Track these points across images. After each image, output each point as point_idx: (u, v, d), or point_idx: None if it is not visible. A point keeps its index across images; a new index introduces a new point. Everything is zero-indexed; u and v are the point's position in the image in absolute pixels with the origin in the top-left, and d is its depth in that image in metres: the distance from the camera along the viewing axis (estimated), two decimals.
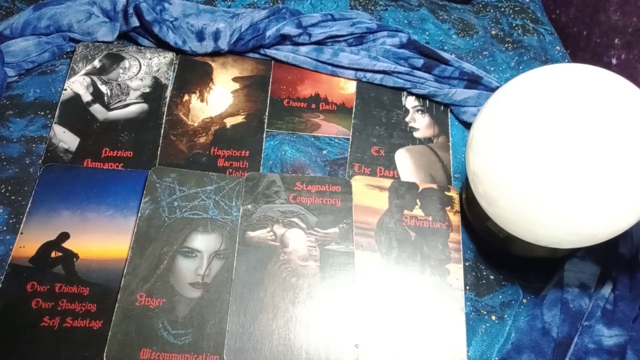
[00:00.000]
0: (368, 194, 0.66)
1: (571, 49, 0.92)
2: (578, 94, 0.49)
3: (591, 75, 0.51)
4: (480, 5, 0.90)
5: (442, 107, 0.75)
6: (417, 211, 0.65)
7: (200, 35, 0.75)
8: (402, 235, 0.63)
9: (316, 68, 0.76)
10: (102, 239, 0.60)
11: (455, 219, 0.65)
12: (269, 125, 0.71)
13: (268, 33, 0.74)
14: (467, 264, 0.63)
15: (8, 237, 0.59)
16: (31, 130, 0.67)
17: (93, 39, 0.75)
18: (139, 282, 0.57)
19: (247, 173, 0.66)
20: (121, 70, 0.73)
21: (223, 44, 0.74)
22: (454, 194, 0.67)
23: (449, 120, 0.74)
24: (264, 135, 0.70)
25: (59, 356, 0.53)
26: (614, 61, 0.84)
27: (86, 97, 0.70)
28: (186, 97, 0.72)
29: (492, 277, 0.62)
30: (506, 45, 0.84)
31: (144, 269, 0.58)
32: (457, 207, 0.66)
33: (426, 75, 0.74)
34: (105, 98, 0.70)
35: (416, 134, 0.72)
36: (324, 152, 0.70)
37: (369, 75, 0.75)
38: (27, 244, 0.59)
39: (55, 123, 0.67)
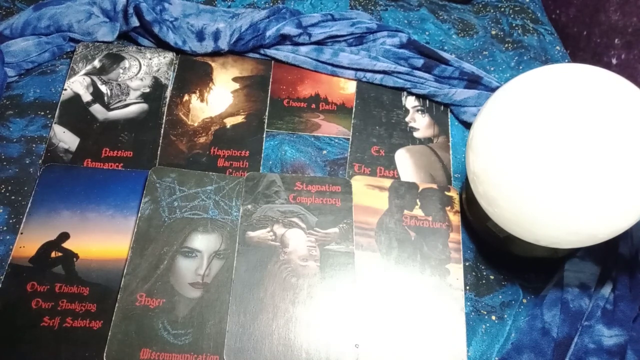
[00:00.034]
0: (368, 194, 0.66)
1: (571, 49, 0.92)
2: (578, 94, 0.49)
3: (591, 75, 0.51)
4: (480, 5, 0.90)
5: (442, 107, 0.75)
6: (417, 211, 0.65)
7: (200, 35, 0.75)
8: (402, 235, 0.63)
9: (316, 68, 0.76)
10: (102, 239, 0.60)
11: (455, 219, 0.65)
12: (269, 125, 0.71)
13: (268, 33, 0.74)
14: (467, 264, 0.63)
15: (8, 237, 0.59)
16: (31, 130, 0.67)
17: (93, 39, 0.75)
18: (139, 282, 0.57)
19: (247, 173, 0.66)
20: (121, 70, 0.73)
21: (223, 44, 0.74)
22: (454, 194, 0.67)
23: (449, 120, 0.74)
24: (264, 135, 0.70)
25: (59, 356, 0.53)
26: (614, 61, 0.84)
27: (86, 97, 0.70)
28: (186, 97, 0.72)
29: (492, 277, 0.62)
30: (506, 45, 0.84)
31: (144, 269, 0.58)
32: (457, 207, 0.66)
33: (426, 75, 0.74)
34: (105, 98, 0.70)
35: (416, 134, 0.72)
36: (324, 152, 0.70)
37: (369, 75, 0.75)
38: (27, 244, 0.59)
39: (55, 123, 0.67)
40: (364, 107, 0.74)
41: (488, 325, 0.59)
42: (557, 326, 0.56)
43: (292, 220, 0.62)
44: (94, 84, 0.71)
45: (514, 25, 0.87)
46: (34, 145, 0.66)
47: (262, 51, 0.76)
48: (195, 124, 0.70)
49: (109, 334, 0.54)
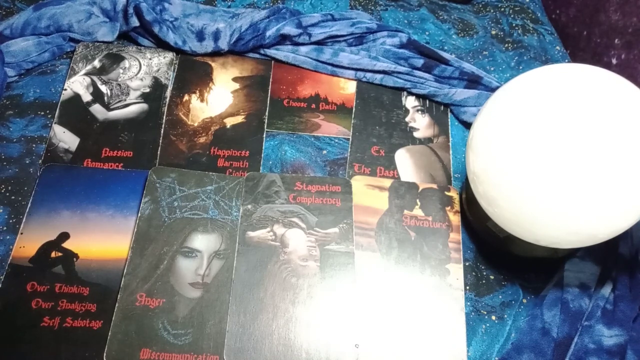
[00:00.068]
0: (368, 194, 0.66)
1: (571, 49, 0.92)
2: (578, 94, 0.49)
3: (591, 75, 0.51)
4: (480, 5, 0.90)
5: (442, 107, 0.75)
6: (417, 211, 0.65)
7: (200, 35, 0.75)
8: (402, 235, 0.63)
9: (316, 68, 0.76)
10: (102, 239, 0.60)
11: (455, 219, 0.65)
12: (269, 125, 0.71)
13: (268, 33, 0.74)
14: (467, 264, 0.63)
15: (8, 237, 0.59)
16: (31, 130, 0.67)
17: (93, 39, 0.75)
18: (139, 282, 0.57)
19: (247, 173, 0.66)
20: (121, 70, 0.73)
21: (223, 44, 0.74)
22: (454, 194, 0.67)
23: (449, 120, 0.74)
24: (264, 135, 0.70)
25: (59, 356, 0.53)
26: (614, 61, 0.84)
27: (86, 97, 0.70)
28: (186, 97, 0.72)
29: (492, 277, 0.62)
30: (506, 45, 0.84)
31: (144, 269, 0.58)
32: (457, 207, 0.66)
33: (426, 75, 0.74)
34: (105, 98, 0.70)
35: (416, 134, 0.72)
36: (324, 152, 0.70)
37: (369, 75, 0.75)
38: (27, 244, 0.59)
39: (55, 123, 0.67)
40: (364, 107, 0.74)
41: (488, 325, 0.59)
42: (557, 326, 0.56)
43: (292, 220, 0.62)
44: (94, 84, 0.71)
45: (514, 25, 0.87)
46: (34, 145, 0.66)
47: (262, 51, 0.76)
48: (195, 124, 0.70)
49: (109, 334, 0.54)
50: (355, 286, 0.59)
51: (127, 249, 0.59)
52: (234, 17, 0.78)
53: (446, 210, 0.65)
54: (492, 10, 0.89)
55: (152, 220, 0.61)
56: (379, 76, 0.75)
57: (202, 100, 0.72)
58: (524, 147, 0.49)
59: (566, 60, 0.84)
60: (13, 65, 0.71)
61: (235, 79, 0.74)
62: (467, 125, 0.73)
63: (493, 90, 0.72)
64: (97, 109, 0.69)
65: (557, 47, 0.85)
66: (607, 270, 0.60)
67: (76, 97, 0.70)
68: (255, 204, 0.63)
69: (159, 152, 0.67)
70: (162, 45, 0.75)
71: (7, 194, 0.62)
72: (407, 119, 0.73)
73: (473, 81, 0.74)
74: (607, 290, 0.59)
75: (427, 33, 0.84)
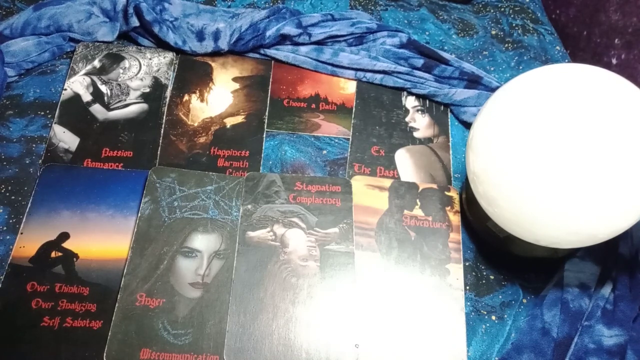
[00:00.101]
0: (368, 194, 0.66)
1: (571, 49, 0.92)
2: (578, 94, 0.49)
3: (591, 75, 0.51)
4: (480, 5, 0.90)
5: (442, 107, 0.75)
6: (417, 211, 0.65)
7: (200, 35, 0.75)
8: (402, 235, 0.63)
9: (316, 68, 0.76)
10: (102, 239, 0.60)
11: (455, 219, 0.65)
12: (269, 125, 0.71)
13: (268, 33, 0.74)
14: (467, 264, 0.63)
15: (8, 237, 0.59)
16: (31, 130, 0.67)
17: (93, 39, 0.75)
18: (139, 282, 0.57)
19: (247, 173, 0.66)
20: (121, 70, 0.73)
21: (223, 44, 0.74)
22: (454, 194, 0.67)
23: (449, 120, 0.74)
24: (264, 135, 0.70)
25: (59, 356, 0.53)
26: (614, 61, 0.84)
27: (86, 97, 0.70)
28: (186, 97, 0.72)
29: (492, 277, 0.62)
30: (506, 45, 0.84)
31: (144, 269, 0.58)
32: (457, 207, 0.66)
33: (426, 75, 0.74)
34: (105, 98, 0.70)
35: (416, 134, 0.72)
36: (324, 152, 0.70)
37: (369, 75, 0.75)
38: (27, 244, 0.59)
39: (55, 123, 0.67)
40: (364, 107, 0.74)
41: (488, 325, 0.59)
42: (557, 326, 0.56)
43: (292, 220, 0.62)
44: (94, 84, 0.71)
45: (514, 25, 0.87)
46: (34, 145, 0.66)
47: (262, 51, 0.76)
48: (195, 124, 0.70)
49: (109, 334, 0.54)
50: (355, 286, 0.59)
51: (127, 249, 0.59)
52: (234, 17, 0.78)
53: (446, 210, 0.65)
54: (492, 10, 0.89)
55: (152, 220, 0.61)
56: (379, 76, 0.75)
57: (202, 100, 0.72)
58: (524, 147, 0.49)
59: (566, 60, 0.84)
60: (13, 65, 0.71)
61: (235, 79, 0.74)
62: (467, 125, 0.73)
63: (493, 90, 0.72)
64: (97, 109, 0.69)
65: (557, 47, 0.85)
66: (607, 270, 0.60)
67: (76, 97, 0.70)
68: (255, 204, 0.63)
69: (159, 152, 0.67)
70: (162, 45, 0.75)
71: (7, 194, 0.62)
72: (407, 119, 0.73)
73: (473, 81, 0.74)
74: (607, 290, 0.59)
75: (427, 33, 0.84)
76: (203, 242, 0.60)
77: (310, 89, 0.75)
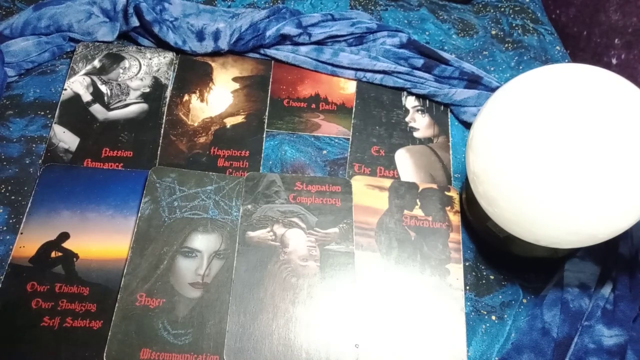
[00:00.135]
0: (368, 194, 0.66)
1: (571, 49, 0.92)
2: (578, 94, 0.49)
3: (591, 75, 0.51)
4: (480, 5, 0.90)
5: (442, 107, 0.75)
6: (417, 211, 0.65)
7: (200, 35, 0.75)
8: (402, 235, 0.63)
9: (316, 68, 0.76)
10: (102, 239, 0.60)
11: (455, 219, 0.65)
12: (269, 125, 0.71)
13: (268, 33, 0.74)
14: (467, 264, 0.63)
15: (8, 237, 0.59)
16: (31, 130, 0.67)
17: (93, 39, 0.75)
18: (139, 282, 0.57)
19: (247, 173, 0.66)
20: (121, 70, 0.73)
21: (223, 44, 0.74)
22: (454, 194, 0.67)
23: (449, 120, 0.74)
24: (264, 135, 0.70)
25: (59, 356, 0.53)
26: (614, 61, 0.84)
27: (86, 97, 0.70)
28: (186, 97, 0.72)
29: (492, 277, 0.62)
30: (506, 45, 0.84)
31: (144, 269, 0.58)
32: (457, 207, 0.66)
33: (426, 75, 0.74)
34: (105, 98, 0.70)
35: (416, 134, 0.72)
36: (324, 152, 0.70)
37: (369, 75, 0.75)
38: (27, 244, 0.59)
39: (55, 123, 0.67)
40: (364, 107, 0.74)
41: (488, 325, 0.59)
42: (557, 326, 0.56)
43: (292, 220, 0.62)
44: (94, 83, 0.71)
45: (514, 25, 0.87)
46: (34, 145, 0.66)
47: (262, 51, 0.76)
48: (195, 124, 0.70)
49: (109, 334, 0.54)
50: (355, 286, 0.59)
51: (127, 249, 0.59)
52: (234, 17, 0.78)
53: (446, 210, 0.65)
54: (492, 10, 0.89)
55: (152, 220, 0.61)
56: (379, 76, 0.75)
57: (202, 100, 0.72)
58: (524, 147, 0.49)
59: (566, 60, 0.84)
60: (13, 65, 0.71)
61: (235, 79, 0.74)
62: (467, 125, 0.73)
63: (493, 90, 0.72)
64: (97, 109, 0.69)
65: (557, 47, 0.85)
66: (607, 270, 0.60)
67: (76, 97, 0.70)
68: (255, 204, 0.63)
69: (159, 152, 0.67)
70: (162, 45, 0.75)
71: (7, 194, 0.62)
72: (407, 119, 0.73)
73: (473, 81, 0.74)
74: (607, 290, 0.59)
75: (427, 33, 0.84)
76: (203, 242, 0.60)
77: (310, 89, 0.75)
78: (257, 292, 0.58)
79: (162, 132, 0.69)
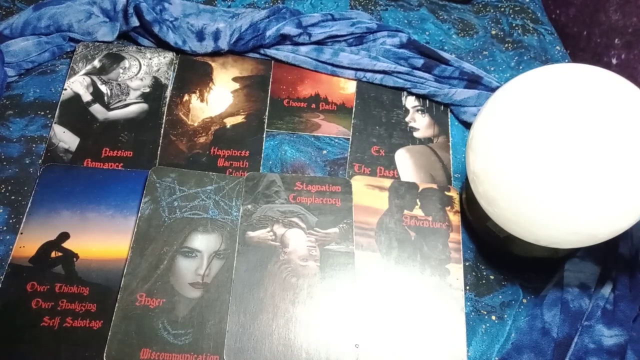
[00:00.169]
0: (368, 194, 0.66)
1: (571, 49, 0.92)
2: (578, 94, 0.49)
3: (591, 75, 0.51)
4: (480, 5, 0.90)
5: (442, 107, 0.75)
6: (417, 211, 0.65)
7: (200, 35, 0.75)
8: (402, 235, 0.63)
9: (316, 68, 0.76)
10: (102, 239, 0.60)
11: (455, 219, 0.65)
12: (269, 125, 0.71)
13: (268, 33, 0.74)
14: (467, 264, 0.63)
15: (8, 237, 0.59)
16: (31, 130, 0.67)
17: (93, 39, 0.75)
18: (139, 282, 0.57)
19: (247, 173, 0.66)
20: (121, 70, 0.73)
21: (223, 44, 0.74)
22: (454, 194, 0.67)
23: (449, 120, 0.74)
24: (264, 135, 0.70)
25: (59, 356, 0.53)
26: (614, 61, 0.84)
27: (86, 97, 0.70)
28: (186, 97, 0.72)
29: (492, 277, 0.62)
30: (506, 45, 0.84)
31: (144, 269, 0.58)
32: (457, 207, 0.66)
33: (426, 75, 0.74)
34: (105, 98, 0.70)
35: (416, 134, 0.72)
36: (324, 152, 0.70)
37: (369, 75, 0.75)
38: (27, 244, 0.59)
39: (55, 123, 0.67)
40: (364, 107, 0.74)
41: (488, 325, 0.59)
42: (557, 326, 0.56)
43: (292, 220, 0.62)
44: (94, 83, 0.71)
45: (514, 25, 0.87)
46: (34, 145, 0.66)
47: (262, 51, 0.76)
48: (195, 124, 0.70)
49: (109, 334, 0.54)
50: (355, 286, 0.59)
51: (127, 249, 0.59)
52: (234, 17, 0.78)
53: (446, 210, 0.65)
54: (492, 10, 0.89)
55: (152, 220, 0.61)
56: (379, 76, 0.75)
57: (202, 100, 0.72)
58: (524, 147, 0.49)
59: (566, 60, 0.84)
60: (13, 65, 0.71)
61: (235, 79, 0.74)
62: (467, 125, 0.73)
63: (493, 90, 0.72)
64: (97, 109, 0.69)
65: (557, 47, 0.85)
66: (607, 270, 0.60)
67: (76, 97, 0.70)
68: (255, 204, 0.63)
69: (159, 152, 0.67)
70: (162, 45, 0.75)
71: (7, 194, 0.62)
72: (407, 119, 0.73)
73: (473, 81, 0.74)
74: (607, 290, 0.59)
75: (427, 33, 0.84)
76: (203, 242, 0.60)
77: (310, 89, 0.75)
78: (257, 292, 0.58)
79: (162, 132, 0.69)
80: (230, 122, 0.71)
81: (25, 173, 0.64)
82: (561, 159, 0.48)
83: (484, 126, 0.54)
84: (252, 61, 0.76)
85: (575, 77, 0.51)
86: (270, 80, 0.75)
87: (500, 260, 0.63)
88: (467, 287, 0.61)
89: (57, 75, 0.72)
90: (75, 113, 0.69)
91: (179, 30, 0.75)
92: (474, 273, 0.62)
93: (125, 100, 0.71)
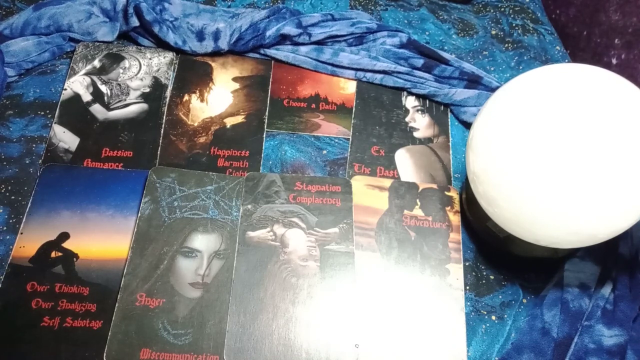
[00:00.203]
0: (368, 194, 0.66)
1: (571, 49, 0.92)
2: (578, 94, 0.49)
3: (591, 75, 0.51)
4: (480, 5, 0.90)
5: (442, 107, 0.75)
6: (417, 211, 0.65)
7: (200, 35, 0.75)
8: (402, 235, 0.63)
9: (316, 68, 0.76)
10: (102, 239, 0.60)
11: (455, 219, 0.65)
12: (269, 125, 0.71)
13: (268, 33, 0.74)
14: (467, 264, 0.63)
15: (8, 237, 0.59)
16: (31, 130, 0.67)
17: (93, 39, 0.75)
18: (139, 282, 0.57)
19: (247, 173, 0.66)
20: (121, 70, 0.73)
21: (223, 44, 0.74)
22: (454, 194, 0.67)
23: (449, 120, 0.74)
24: (264, 135, 0.70)
25: (59, 356, 0.53)
26: (614, 61, 0.84)
27: (86, 97, 0.70)
28: (186, 97, 0.72)
29: (492, 277, 0.62)
30: (506, 45, 0.84)
31: (144, 269, 0.58)
32: (457, 207, 0.66)
33: (426, 75, 0.74)
34: (105, 98, 0.70)
35: (416, 134, 0.72)
36: (324, 152, 0.70)
37: (369, 75, 0.75)
38: (27, 244, 0.59)
39: (55, 123, 0.67)
40: (364, 107, 0.74)
41: (488, 325, 0.59)
42: (557, 326, 0.56)
43: (292, 220, 0.62)
44: (94, 83, 0.71)
45: (514, 25, 0.87)
46: (34, 145, 0.66)
47: (262, 51, 0.76)
48: (195, 124, 0.70)
49: (109, 334, 0.54)
50: (355, 286, 0.59)
51: (127, 249, 0.59)
52: (234, 17, 0.78)
53: (446, 210, 0.65)
54: (492, 10, 0.89)
55: (152, 220, 0.61)
56: (379, 76, 0.75)
57: (202, 100, 0.72)
58: (524, 147, 0.49)
59: (566, 60, 0.84)
60: (13, 65, 0.71)
61: (235, 79, 0.74)
62: (467, 125, 0.73)
63: (493, 90, 0.72)
64: (97, 109, 0.69)
65: (557, 47, 0.85)
66: (607, 270, 0.60)
67: (76, 97, 0.70)
68: (255, 204, 0.63)
69: (159, 152, 0.67)
70: (162, 45, 0.75)
71: (7, 194, 0.62)
72: (407, 119, 0.73)
73: (473, 81, 0.74)
74: (607, 290, 0.59)
75: (427, 33, 0.84)
76: (203, 242, 0.60)
77: (310, 89, 0.75)
78: (257, 292, 0.58)
79: (162, 132, 0.69)
80: (230, 122, 0.71)
81: (25, 173, 0.64)
82: (561, 159, 0.48)
83: (484, 126, 0.54)
84: (252, 61, 0.76)
85: (575, 77, 0.51)
86: (270, 80, 0.75)
87: (500, 260, 0.63)
88: (467, 287, 0.61)
89: (57, 75, 0.72)
90: (75, 113, 0.69)
91: (179, 30, 0.75)
92: (474, 273, 0.62)
93: (125, 100, 0.71)
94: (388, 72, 0.75)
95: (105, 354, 0.53)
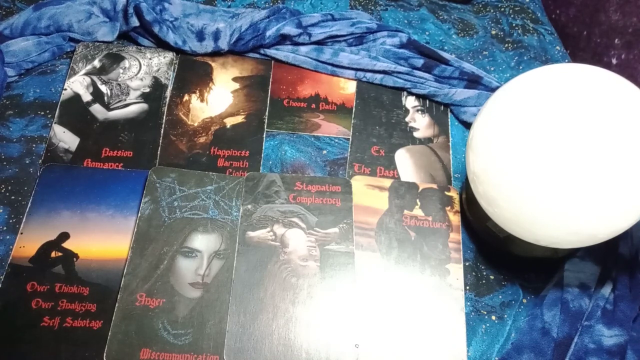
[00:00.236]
0: (368, 194, 0.66)
1: (571, 49, 0.92)
2: (578, 94, 0.49)
3: (591, 75, 0.51)
4: (480, 5, 0.90)
5: (442, 107, 0.75)
6: (417, 211, 0.65)
7: (200, 35, 0.75)
8: (402, 235, 0.63)
9: (316, 68, 0.76)
10: (102, 239, 0.60)
11: (455, 219, 0.65)
12: (269, 125, 0.71)
13: (268, 33, 0.74)
14: (467, 264, 0.63)
15: (8, 237, 0.59)
16: (31, 130, 0.67)
17: (93, 39, 0.75)
18: (139, 282, 0.57)
19: (247, 173, 0.66)
20: (121, 70, 0.73)
21: (223, 44, 0.74)
22: (454, 194, 0.67)
23: (449, 120, 0.74)
24: (264, 135, 0.70)
25: (59, 356, 0.53)
26: (614, 61, 0.84)
27: (86, 97, 0.70)
28: (186, 97, 0.72)
29: (492, 277, 0.62)
30: (506, 45, 0.84)
31: (144, 269, 0.58)
32: (457, 207, 0.66)
33: (426, 75, 0.74)
34: (105, 98, 0.70)
35: (416, 134, 0.72)
36: (324, 152, 0.70)
37: (369, 75, 0.75)
38: (27, 244, 0.59)
39: (55, 123, 0.67)
40: (364, 107, 0.74)
41: (488, 325, 0.59)
42: (557, 326, 0.56)
43: (292, 220, 0.62)
44: (94, 83, 0.71)
45: (514, 25, 0.87)
46: (34, 145, 0.66)
47: (262, 51, 0.76)
48: (195, 124, 0.70)
49: (109, 334, 0.54)
50: (355, 286, 0.59)
51: (127, 249, 0.59)
52: (234, 17, 0.78)
53: (446, 210, 0.65)
54: (492, 10, 0.89)
55: (152, 220, 0.61)
56: (379, 76, 0.75)
57: (202, 100, 0.72)
58: (524, 147, 0.49)
59: (566, 60, 0.84)
60: (13, 65, 0.71)
61: (235, 79, 0.74)
62: (467, 125, 0.73)
63: (493, 90, 0.72)
64: (97, 109, 0.69)
65: (557, 47, 0.85)
66: (607, 270, 0.60)
67: (76, 97, 0.70)
68: (255, 204, 0.63)
69: (159, 152, 0.67)
70: (162, 45, 0.75)
71: (7, 194, 0.62)
72: (407, 119, 0.73)
73: (473, 81, 0.74)
74: (607, 290, 0.59)
75: (427, 33, 0.84)
76: (203, 242, 0.60)
77: (310, 89, 0.75)
78: (257, 292, 0.58)
79: (162, 132, 0.69)
80: (230, 122, 0.71)
81: (25, 173, 0.64)
82: (561, 159, 0.48)
83: (484, 126, 0.54)
84: (252, 61, 0.76)
85: (575, 77, 0.51)
86: (270, 80, 0.75)
87: (500, 260, 0.63)
88: (467, 287, 0.61)
89: (57, 75, 0.72)
90: (75, 113, 0.69)
91: (179, 30, 0.75)
92: (474, 273, 0.62)
93: (125, 100, 0.71)
94: (388, 72, 0.75)
95: (105, 354, 0.53)
